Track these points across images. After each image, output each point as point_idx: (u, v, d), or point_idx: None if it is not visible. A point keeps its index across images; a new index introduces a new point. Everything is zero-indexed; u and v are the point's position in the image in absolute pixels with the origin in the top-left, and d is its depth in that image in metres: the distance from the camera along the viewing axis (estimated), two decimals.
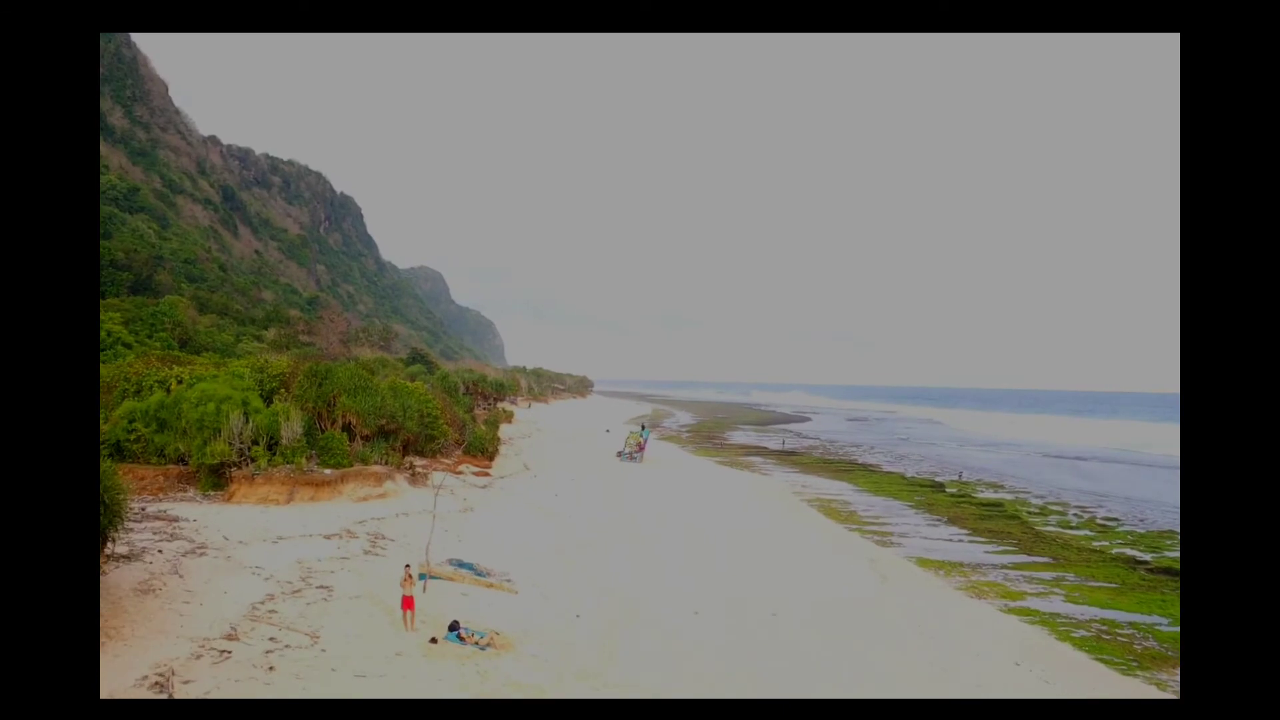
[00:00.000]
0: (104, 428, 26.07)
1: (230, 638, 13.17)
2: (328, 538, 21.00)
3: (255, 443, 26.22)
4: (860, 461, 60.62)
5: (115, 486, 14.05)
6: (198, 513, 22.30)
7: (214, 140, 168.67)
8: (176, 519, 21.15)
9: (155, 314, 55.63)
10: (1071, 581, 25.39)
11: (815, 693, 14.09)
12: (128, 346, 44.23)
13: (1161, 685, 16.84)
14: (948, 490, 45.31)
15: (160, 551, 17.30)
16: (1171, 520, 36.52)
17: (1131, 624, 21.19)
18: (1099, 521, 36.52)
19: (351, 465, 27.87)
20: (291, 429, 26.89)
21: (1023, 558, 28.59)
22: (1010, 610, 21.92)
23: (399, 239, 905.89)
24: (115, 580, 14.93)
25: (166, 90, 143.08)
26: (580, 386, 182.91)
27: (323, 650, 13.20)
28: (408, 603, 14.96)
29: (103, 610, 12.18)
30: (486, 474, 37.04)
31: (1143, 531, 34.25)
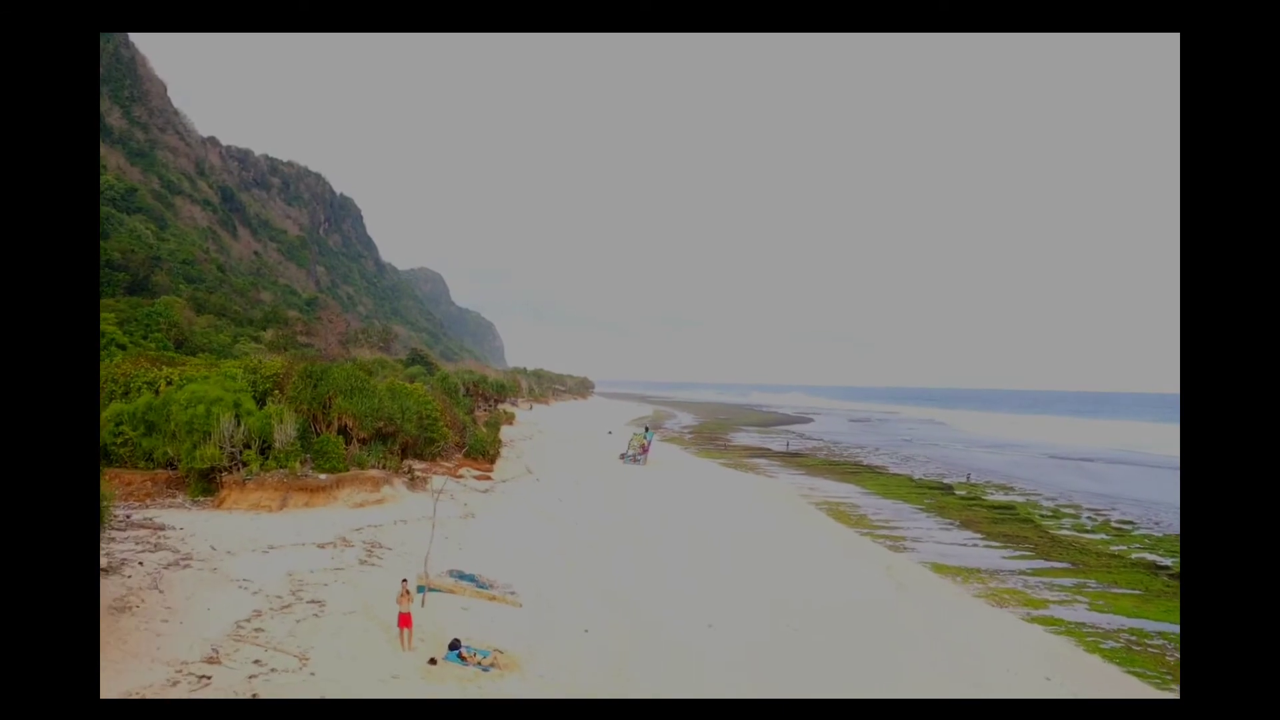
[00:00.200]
0: None
1: (211, 661, 12.24)
2: (321, 547, 20.05)
3: (247, 446, 25.31)
4: (866, 463, 59.82)
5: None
6: (185, 520, 21.37)
7: (213, 141, 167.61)
8: (162, 527, 20.23)
9: (150, 314, 54.66)
10: (1094, 588, 24.50)
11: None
12: (122, 347, 43.18)
13: None
14: (957, 493, 44.47)
15: (141, 564, 16.32)
16: None
17: (1161, 634, 20.31)
18: (1114, 525, 35.73)
19: (348, 469, 26.92)
20: (285, 432, 25.99)
21: (1040, 563, 27.71)
22: (1033, 619, 21.04)
23: (399, 240, 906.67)
24: None
25: (165, 91, 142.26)
26: (581, 388, 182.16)
27: (312, 674, 12.28)
28: (405, 620, 14.04)
29: None
30: (488, 477, 36.02)
31: (1160, 535, 33.42)
